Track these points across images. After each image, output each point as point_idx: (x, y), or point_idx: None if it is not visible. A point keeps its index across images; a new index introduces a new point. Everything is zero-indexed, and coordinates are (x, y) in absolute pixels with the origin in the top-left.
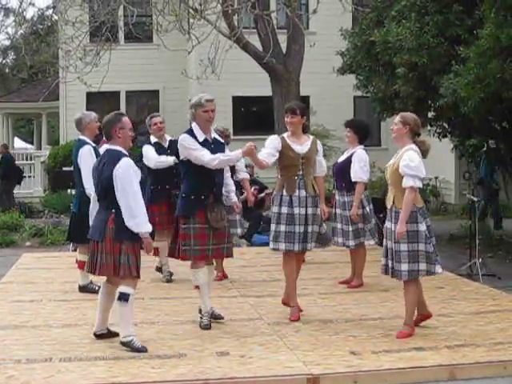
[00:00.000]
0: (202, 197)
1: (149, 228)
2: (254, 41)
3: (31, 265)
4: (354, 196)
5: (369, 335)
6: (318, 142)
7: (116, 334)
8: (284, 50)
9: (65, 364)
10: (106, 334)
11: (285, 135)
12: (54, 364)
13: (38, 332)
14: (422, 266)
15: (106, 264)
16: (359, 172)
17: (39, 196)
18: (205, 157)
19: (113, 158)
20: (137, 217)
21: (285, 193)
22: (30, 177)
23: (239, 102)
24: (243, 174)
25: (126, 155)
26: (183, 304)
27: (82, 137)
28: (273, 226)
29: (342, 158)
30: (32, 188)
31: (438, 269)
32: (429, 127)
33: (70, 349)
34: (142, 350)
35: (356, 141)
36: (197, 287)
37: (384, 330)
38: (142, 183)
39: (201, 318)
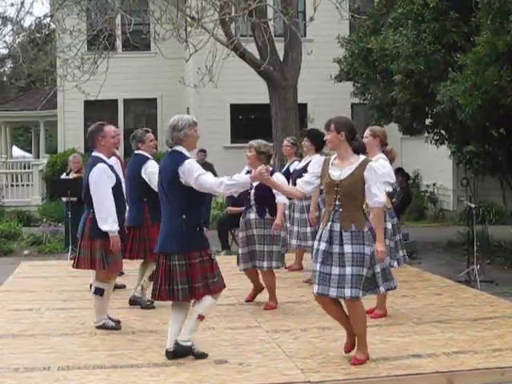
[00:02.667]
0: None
1: (115, 228)
2: (252, 49)
3: (29, 273)
4: (310, 200)
5: (367, 342)
6: (372, 165)
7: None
8: (281, 58)
9: (63, 373)
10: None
11: (332, 156)
12: (53, 373)
13: (36, 340)
14: (386, 259)
15: (84, 258)
16: None
17: (37, 204)
18: (209, 180)
19: (91, 163)
20: (104, 217)
21: (321, 225)
22: (28, 185)
23: (237, 110)
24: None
25: (103, 161)
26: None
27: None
28: (312, 264)
29: (300, 165)
30: (30, 196)
31: (395, 264)
32: (426, 134)
33: (68, 357)
34: (116, 327)
35: (313, 149)
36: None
37: (382, 337)
38: (118, 188)
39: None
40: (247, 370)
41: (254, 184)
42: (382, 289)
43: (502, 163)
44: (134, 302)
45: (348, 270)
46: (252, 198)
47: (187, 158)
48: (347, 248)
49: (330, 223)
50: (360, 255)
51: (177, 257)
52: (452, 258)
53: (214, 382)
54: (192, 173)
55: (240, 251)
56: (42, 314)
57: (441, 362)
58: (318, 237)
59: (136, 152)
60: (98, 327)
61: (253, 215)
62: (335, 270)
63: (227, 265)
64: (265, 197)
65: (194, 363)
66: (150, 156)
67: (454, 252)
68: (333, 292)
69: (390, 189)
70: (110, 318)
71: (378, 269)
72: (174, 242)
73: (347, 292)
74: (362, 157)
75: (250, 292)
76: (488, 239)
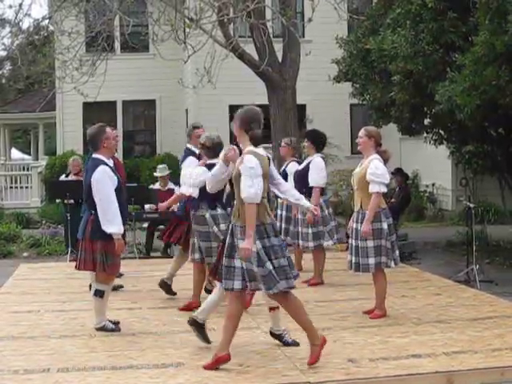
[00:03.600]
0: None
1: (120, 230)
2: (250, 49)
3: (29, 275)
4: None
5: (366, 343)
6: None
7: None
8: (280, 59)
9: (63, 374)
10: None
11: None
12: (52, 374)
13: (35, 342)
14: (384, 259)
15: (86, 260)
16: (316, 178)
17: (36, 207)
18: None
19: (93, 165)
20: (109, 219)
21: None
22: (27, 187)
23: (235, 111)
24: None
25: (105, 163)
26: (180, 313)
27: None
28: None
29: (301, 166)
30: (29, 199)
31: (392, 264)
32: (425, 134)
33: (67, 359)
34: (116, 329)
35: (313, 150)
36: None
37: (381, 338)
38: (119, 190)
39: None
40: (247, 370)
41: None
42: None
43: (500, 163)
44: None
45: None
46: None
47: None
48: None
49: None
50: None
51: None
52: (451, 257)
53: None
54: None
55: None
56: (42, 316)
57: (440, 361)
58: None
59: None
60: (98, 329)
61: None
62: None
63: None
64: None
65: (193, 364)
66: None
67: (453, 252)
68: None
69: (384, 189)
70: (109, 321)
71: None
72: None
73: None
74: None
75: None
76: (487, 239)
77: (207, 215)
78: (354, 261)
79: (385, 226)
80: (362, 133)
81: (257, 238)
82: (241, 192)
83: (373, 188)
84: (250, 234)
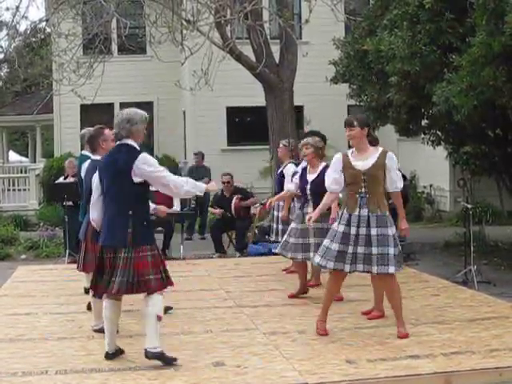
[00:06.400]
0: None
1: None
2: (247, 51)
3: (26, 278)
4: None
5: (364, 344)
6: (390, 155)
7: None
8: (277, 60)
9: (61, 377)
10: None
11: (349, 151)
12: (50, 377)
13: (33, 345)
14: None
15: (90, 261)
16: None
17: (34, 209)
18: (170, 178)
19: (93, 167)
20: (91, 215)
21: (345, 211)
22: (24, 190)
23: (233, 113)
24: None
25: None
26: (178, 315)
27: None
28: (326, 242)
29: (299, 167)
30: (27, 201)
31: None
32: (422, 135)
33: (65, 361)
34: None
35: None
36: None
37: (380, 339)
38: None
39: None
40: (245, 372)
41: (310, 179)
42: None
43: (498, 164)
44: None
45: (374, 250)
46: (308, 192)
47: (141, 152)
48: (373, 231)
49: (357, 209)
50: (384, 237)
51: (123, 250)
52: (449, 258)
53: None
54: (151, 167)
55: (292, 240)
56: (40, 319)
57: (438, 362)
58: (339, 221)
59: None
60: (96, 330)
61: (310, 209)
62: (361, 250)
63: (223, 267)
64: (320, 191)
65: (191, 366)
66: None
67: (451, 253)
68: (360, 267)
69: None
70: None
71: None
72: (121, 237)
73: (374, 269)
74: (381, 148)
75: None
76: (485, 240)
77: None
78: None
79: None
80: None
81: (392, 223)
82: (394, 182)
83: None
84: (404, 215)
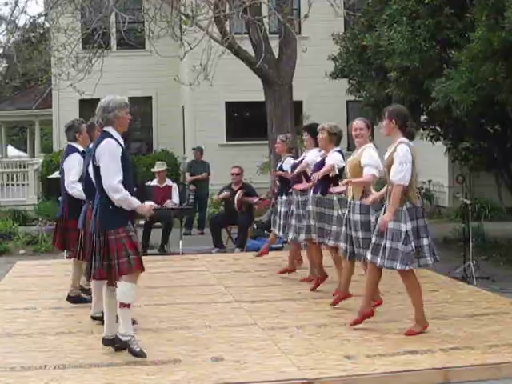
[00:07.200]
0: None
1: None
2: (246, 46)
3: (25, 272)
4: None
5: (363, 339)
6: (401, 148)
7: None
8: (276, 55)
9: (59, 371)
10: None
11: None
12: (49, 371)
13: (32, 340)
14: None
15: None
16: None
17: (33, 204)
18: (116, 178)
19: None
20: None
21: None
22: (23, 185)
23: (232, 108)
24: None
25: (77, 151)
26: (177, 310)
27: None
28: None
29: (297, 160)
30: (26, 196)
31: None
32: (421, 131)
33: (64, 356)
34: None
35: (312, 143)
36: (125, 306)
37: (378, 334)
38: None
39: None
40: (244, 367)
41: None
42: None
43: (497, 159)
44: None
45: (388, 243)
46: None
47: (108, 137)
48: (390, 224)
49: (385, 201)
50: (397, 232)
51: (106, 233)
52: (448, 254)
53: (211, 380)
54: (104, 156)
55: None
56: (39, 313)
57: (437, 358)
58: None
59: (69, 143)
60: (95, 318)
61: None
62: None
63: (222, 263)
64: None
65: (190, 361)
66: (80, 148)
67: (449, 248)
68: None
69: (377, 174)
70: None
71: (424, 241)
72: (94, 222)
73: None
74: (399, 140)
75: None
76: (484, 235)
77: (335, 199)
78: (349, 250)
79: (372, 218)
80: (361, 124)
81: (408, 220)
82: (392, 175)
83: (368, 171)
84: (392, 210)
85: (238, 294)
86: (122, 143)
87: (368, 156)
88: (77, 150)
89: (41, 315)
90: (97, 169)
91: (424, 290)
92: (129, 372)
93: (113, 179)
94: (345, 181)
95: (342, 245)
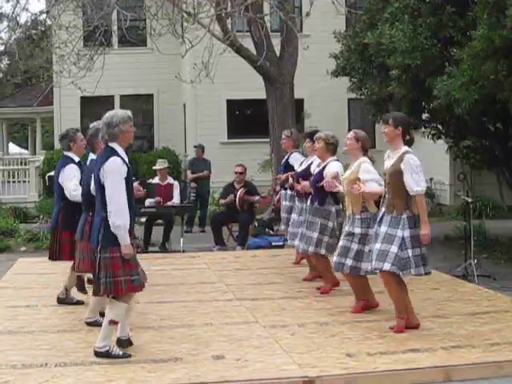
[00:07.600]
0: None
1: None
2: (248, 44)
3: (26, 270)
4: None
5: (364, 337)
6: (408, 157)
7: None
8: (278, 53)
9: (60, 369)
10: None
11: (390, 150)
12: (50, 369)
13: (33, 337)
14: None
15: (84, 260)
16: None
17: (34, 201)
18: (116, 200)
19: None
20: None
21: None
22: (24, 182)
23: (233, 106)
24: None
25: (73, 161)
26: (178, 308)
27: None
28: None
29: (302, 168)
30: (27, 193)
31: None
32: (423, 129)
33: (65, 354)
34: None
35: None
36: (115, 323)
37: (379, 332)
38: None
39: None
40: (245, 365)
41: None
42: (412, 271)
43: (498, 157)
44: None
45: (377, 245)
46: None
47: (114, 155)
48: (383, 229)
49: (382, 208)
50: (391, 236)
51: (100, 251)
52: (449, 252)
53: (212, 378)
54: (113, 175)
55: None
56: (39, 311)
57: (438, 356)
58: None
59: (65, 153)
60: (89, 324)
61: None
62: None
63: (223, 260)
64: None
65: (191, 359)
66: (75, 159)
67: (451, 247)
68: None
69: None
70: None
71: (411, 253)
72: (95, 238)
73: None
74: (404, 149)
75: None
76: (485, 234)
77: (333, 210)
78: (348, 264)
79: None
80: (350, 135)
81: (408, 227)
82: (410, 187)
83: (373, 186)
84: (426, 220)
85: (239, 292)
86: (127, 160)
87: (366, 171)
88: (72, 161)
89: (42, 313)
90: (101, 185)
91: (425, 288)
92: (130, 370)
93: (119, 200)
94: (358, 190)
95: (336, 258)
